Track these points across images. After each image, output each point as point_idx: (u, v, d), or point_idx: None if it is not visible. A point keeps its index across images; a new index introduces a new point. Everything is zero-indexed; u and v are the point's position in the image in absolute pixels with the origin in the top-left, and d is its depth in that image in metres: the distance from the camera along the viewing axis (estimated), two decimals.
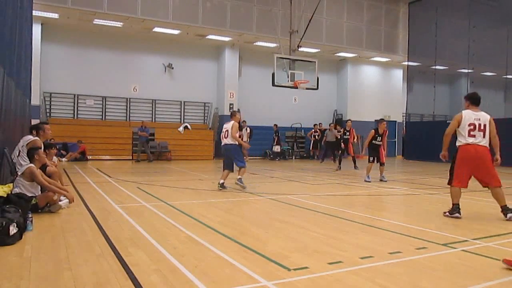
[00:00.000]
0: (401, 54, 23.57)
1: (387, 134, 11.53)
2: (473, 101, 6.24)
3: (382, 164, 11.27)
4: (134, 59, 20.05)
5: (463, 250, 4.28)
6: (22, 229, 4.45)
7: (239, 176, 8.89)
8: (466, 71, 22.24)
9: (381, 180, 11.03)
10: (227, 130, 8.96)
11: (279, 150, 21.08)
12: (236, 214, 6.37)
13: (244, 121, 18.65)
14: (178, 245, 4.29)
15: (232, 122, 9.01)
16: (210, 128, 21.48)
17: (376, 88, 25.32)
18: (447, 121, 21.57)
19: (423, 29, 22.39)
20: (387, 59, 24.53)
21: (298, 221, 5.77)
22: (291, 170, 14.85)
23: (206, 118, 21.85)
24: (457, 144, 6.16)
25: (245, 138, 18.11)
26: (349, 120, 16.21)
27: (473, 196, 8.49)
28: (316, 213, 6.40)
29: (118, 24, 17.88)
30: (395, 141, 25.43)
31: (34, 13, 14.58)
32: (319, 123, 22.27)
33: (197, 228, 5.10)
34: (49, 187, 5.94)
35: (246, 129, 18.98)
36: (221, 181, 8.88)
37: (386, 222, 5.75)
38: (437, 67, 22.90)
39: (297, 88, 15.92)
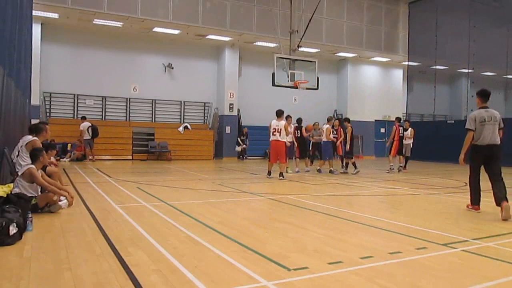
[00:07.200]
0: (401, 54, 23.54)
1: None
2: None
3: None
4: (134, 59, 20.04)
5: (463, 250, 4.28)
6: (22, 229, 4.44)
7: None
8: (466, 71, 22.25)
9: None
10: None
11: (239, 149, 21.40)
12: (236, 214, 6.36)
13: (83, 117, 17.81)
14: (178, 245, 4.28)
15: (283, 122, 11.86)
16: (210, 128, 21.47)
17: (376, 88, 25.29)
18: (448, 121, 21.69)
19: (423, 29, 22.39)
20: (387, 59, 24.51)
21: (298, 221, 5.76)
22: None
23: (206, 118, 21.84)
24: None
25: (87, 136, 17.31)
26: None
27: None
28: (316, 213, 6.39)
29: (118, 24, 17.87)
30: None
31: (34, 13, 14.58)
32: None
33: (197, 228, 5.10)
34: (50, 188, 5.92)
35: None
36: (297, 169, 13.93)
37: (386, 222, 5.74)
38: (437, 67, 22.91)
39: (297, 88, 15.90)
